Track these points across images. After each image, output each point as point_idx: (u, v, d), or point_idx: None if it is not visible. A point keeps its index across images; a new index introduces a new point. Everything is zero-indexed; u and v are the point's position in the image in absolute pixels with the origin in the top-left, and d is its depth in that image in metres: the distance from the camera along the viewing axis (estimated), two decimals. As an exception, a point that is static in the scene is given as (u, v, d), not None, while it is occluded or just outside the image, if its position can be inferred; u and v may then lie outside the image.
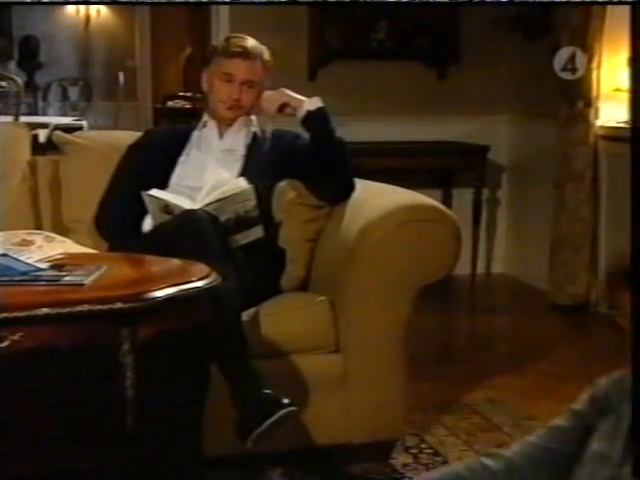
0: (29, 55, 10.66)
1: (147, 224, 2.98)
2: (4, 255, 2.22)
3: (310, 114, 2.96)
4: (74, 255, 2.46)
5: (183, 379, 2.48)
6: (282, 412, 2.51)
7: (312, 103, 2.98)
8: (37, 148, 3.96)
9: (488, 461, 1.77)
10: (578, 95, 5.04)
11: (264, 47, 3.13)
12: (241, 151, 3.13)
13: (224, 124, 3.15)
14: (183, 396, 2.51)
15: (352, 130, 3.42)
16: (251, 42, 3.10)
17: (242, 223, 2.91)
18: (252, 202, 2.91)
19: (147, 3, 10.04)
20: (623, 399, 1.69)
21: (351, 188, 3.02)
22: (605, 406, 1.72)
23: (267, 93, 3.05)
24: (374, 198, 2.98)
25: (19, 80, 6.93)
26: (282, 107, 3.01)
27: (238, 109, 3.10)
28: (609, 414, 1.70)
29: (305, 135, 3.06)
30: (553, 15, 5.18)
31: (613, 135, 4.96)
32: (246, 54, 3.06)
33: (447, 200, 5.72)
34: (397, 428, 2.97)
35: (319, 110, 2.97)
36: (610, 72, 5.00)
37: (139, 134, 3.33)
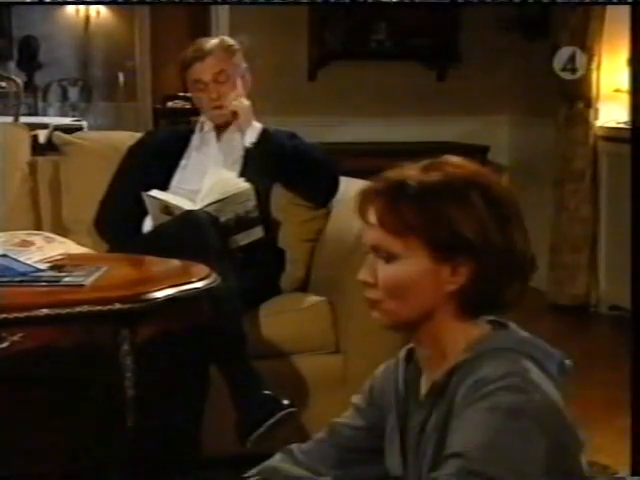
0: (29, 55, 10.65)
1: (147, 225, 2.98)
2: (4, 256, 2.22)
3: None
4: (74, 256, 2.45)
5: (183, 380, 2.49)
6: (282, 413, 2.51)
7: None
8: (37, 149, 3.96)
9: (301, 446, 1.62)
10: (578, 95, 5.04)
11: (222, 37, 3.17)
12: (240, 152, 3.13)
13: (221, 126, 3.14)
14: (183, 396, 2.51)
15: (352, 130, 3.42)
16: (205, 41, 3.12)
17: (242, 223, 2.90)
18: (252, 202, 2.91)
19: (147, 3, 10.03)
20: (391, 396, 1.41)
21: (335, 185, 3.01)
22: (381, 403, 1.45)
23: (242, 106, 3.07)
24: (374, 198, 2.97)
25: (19, 80, 6.92)
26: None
27: (222, 107, 3.09)
28: (388, 414, 1.43)
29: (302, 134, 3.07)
30: (553, 15, 5.19)
31: (613, 136, 4.96)
32: (201, 55, 3.06)
33: (447, 200, 5.72)
34: (397, 428, 2.96)
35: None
36: (610, 73, 5.00)
37: (139, 135, 3.33)
